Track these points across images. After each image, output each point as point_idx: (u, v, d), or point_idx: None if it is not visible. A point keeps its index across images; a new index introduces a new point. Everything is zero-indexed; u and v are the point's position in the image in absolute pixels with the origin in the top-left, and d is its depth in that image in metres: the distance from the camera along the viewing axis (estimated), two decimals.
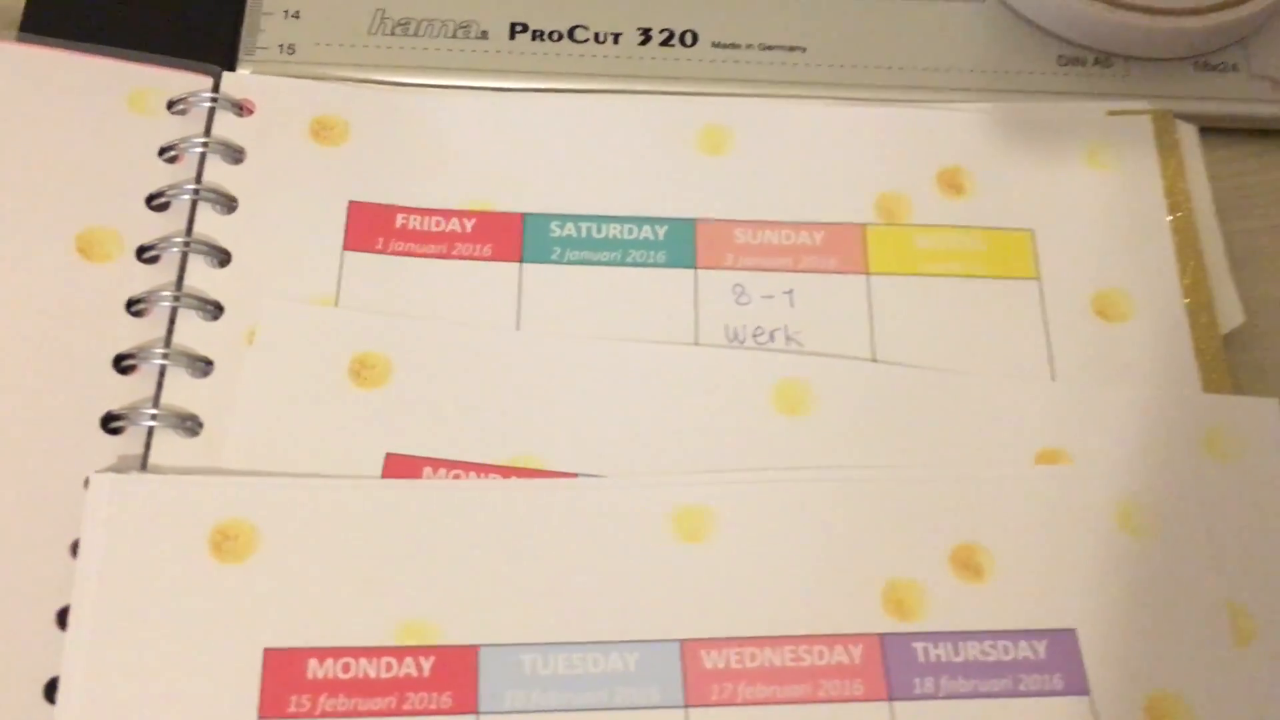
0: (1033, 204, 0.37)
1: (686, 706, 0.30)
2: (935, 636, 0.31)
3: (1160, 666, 0.31)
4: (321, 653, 0.29)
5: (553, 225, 0.36)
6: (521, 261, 0.35)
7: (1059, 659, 0.31)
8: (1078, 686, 0.30)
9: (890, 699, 0.30)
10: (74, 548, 0.30)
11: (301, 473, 0.32)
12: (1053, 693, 0.30)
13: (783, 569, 0.31)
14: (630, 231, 0.36)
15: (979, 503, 0.32)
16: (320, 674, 0.29)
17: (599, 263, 0.35)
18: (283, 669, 0.29)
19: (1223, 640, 0.31)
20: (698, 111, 0.38)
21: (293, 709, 0.29)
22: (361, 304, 0.34)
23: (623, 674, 0.30)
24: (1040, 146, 0.38)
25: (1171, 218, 0.37)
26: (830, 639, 0.31)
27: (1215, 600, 0.31)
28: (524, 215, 0.36)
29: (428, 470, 0.32)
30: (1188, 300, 0.35)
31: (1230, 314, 0.36)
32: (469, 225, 0.36)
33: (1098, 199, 0.37)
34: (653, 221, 0.36)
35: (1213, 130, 0.39)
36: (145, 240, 0.34)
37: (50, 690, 0.29)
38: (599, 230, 0.36)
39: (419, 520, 0.31)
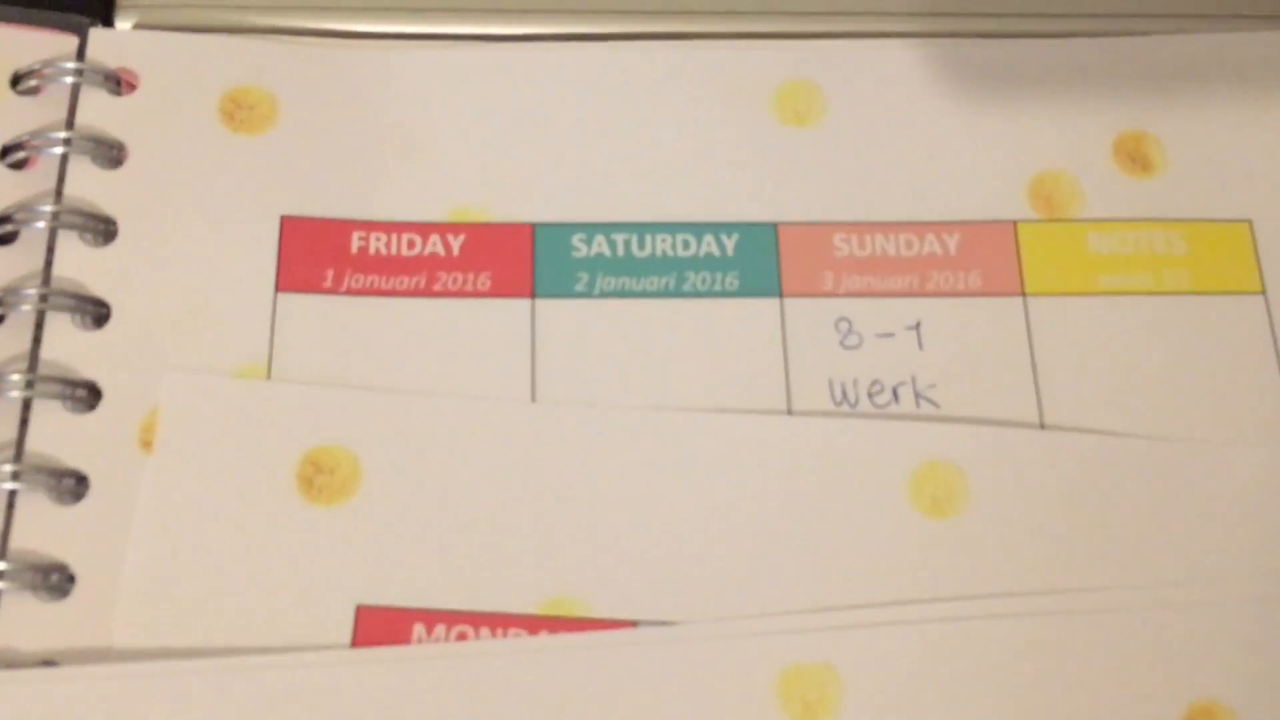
0: (1251, 183, 0.26)
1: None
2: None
3: None
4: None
5: (575, 240, 0.25)
6: (534, 297, 0.25)
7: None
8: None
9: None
10: None
11: (241, 647, 0.21)
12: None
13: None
14: (686, 245, 0.25)
15: (1223, 642, 0.23)
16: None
17: (644, 293, 0.25)
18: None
19: None
20: (773, 63, 0.27)
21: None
22: (306, 370, 0.24)
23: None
24: (1260, 98, 0.27)
25: None
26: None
27: None
28: (534, 226, 0.25)
29: (419, 628, 0.22)
30: None
31: None
32: (456, 244, 0.25)
33: None
34: (717, 229, 0.26)
35: None
36: None
37: None
38: (641, 245, 0.25)
39: (409, 706, 0.21)
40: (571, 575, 0.23)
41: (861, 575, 0.23)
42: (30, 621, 0.21)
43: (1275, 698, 0.22)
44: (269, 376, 0.24)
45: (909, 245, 0.26)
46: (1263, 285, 0.26)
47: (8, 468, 0.22)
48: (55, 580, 0.22)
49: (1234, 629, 0.23)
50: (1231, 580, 0.23)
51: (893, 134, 0.27)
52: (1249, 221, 0.26)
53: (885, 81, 0.27)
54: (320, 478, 0.23)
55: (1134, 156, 0.27)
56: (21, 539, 0.22)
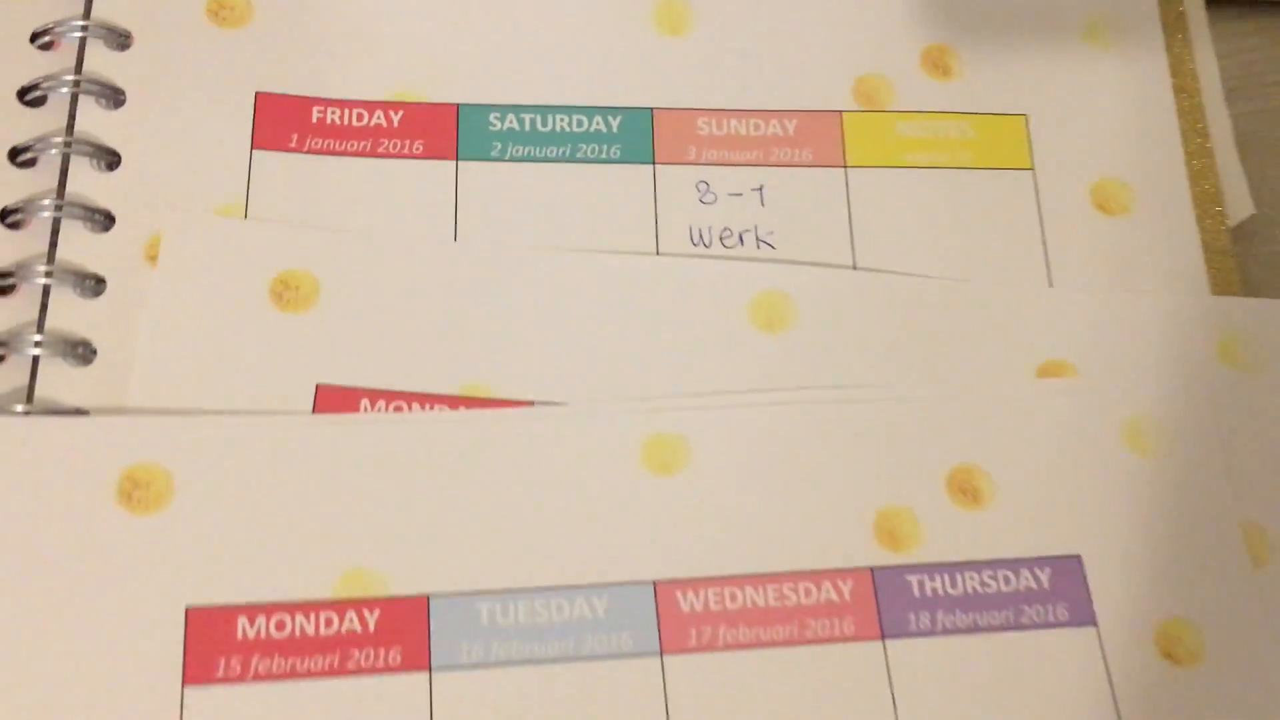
0: (1026, 86, 0.33)
1: (662, 654, 0.27)
2: (931, 568, 0.28)
3: (1172, 593, 0.28)
4: (252, 610, 0.26)
5: (492, 117, 0.32)
6: (458, 159, 0.31)
7: (1064, 588, 0.28)
8: (1084, 617, 0.28)
9: (883, 637, 0.28)
10: None
11: (221, 409, 0.28)
12: (1057, 624, 0.28)
13: (764, 501, 0.28)
14: (580, 123, 0.32)
15: (976, 422, 0.30)
16: (252, 633, 0.26)
17: (546, 159, 0.31)
18: (209, 629, 0.26)
19: (1239, 563, 0.29)
20: None
21: (222, 673, 0.25)
22: (275, 210, 0.30)
23: (591, 621, 0.27)
24: (1035, 22, 0.34)
25: (1176, 100, 0.33)
26: (817, 575, 0.28)
27: (1230, 521, 0.29)
28: (458, 106, 0.32)
29: (365, 403, 0.29)
30: (1194, 190, 0.32)
31: (1239, 204, 0.33)
32: (396, 118, 0.31)
33: (1097, 80, 0.34)
34: (605, 111, 0.32)
35: (1216, 3, 0.35)
36: (19, 141, 0.29)
37: None
38: (544, 122, 0.32)
39: (358, 459, 0.28)
40: (482, 366, 0.29)
41: (709, 371, 0.30)
42: (64, 382, 0.28)
43: (1025, 462, 0.29)
44: (245, 216, 0.30)
45: (756, 127, 0.32)
46: (1032, 164, 0.33)
47: (42, 267, 0.28)
48: (81, 351, 0.28)
49: (990, 412, 0.30)
50: (989, 377, 0.30)
51: (747, 43, 0.33)
52: (1025, 115, 0.33)
53: (741, 2, 0.34)
54: (288, 293, 0.29)
55: (937, 64, 0.34)
56: (55, 320, 0.28)
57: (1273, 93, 0.36)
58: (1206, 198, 0.32)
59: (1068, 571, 0.29)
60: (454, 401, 0.29)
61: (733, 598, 0.28)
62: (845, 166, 0.32)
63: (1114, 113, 0.33)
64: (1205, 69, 0.34)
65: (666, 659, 0.27)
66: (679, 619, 0.27)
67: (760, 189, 0.32)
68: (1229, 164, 0.33)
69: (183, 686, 0.25)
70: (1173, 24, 0.34)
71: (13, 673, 0.25)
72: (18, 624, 0.25)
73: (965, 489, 0.29)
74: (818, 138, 0.32)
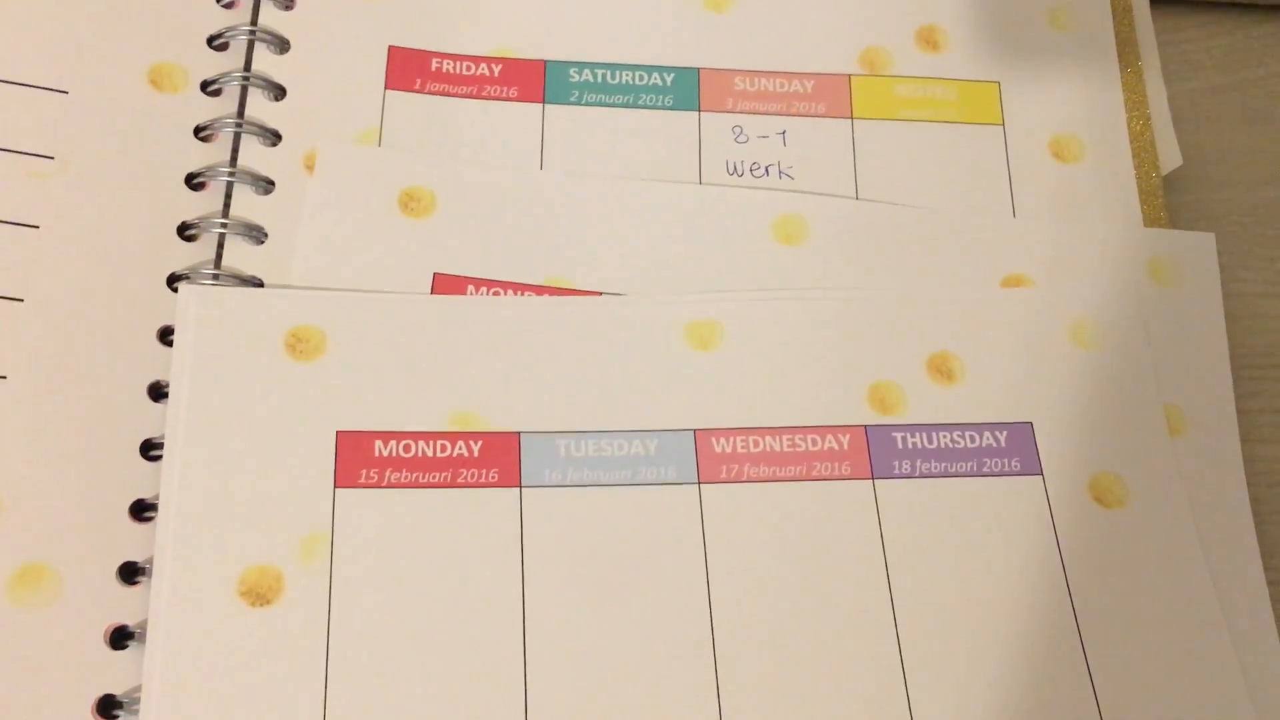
0: (1000, 60, 0.41)
1: (700, 483, 0.35)
2: (912, 428, 0.36)
3: (1103, 452, 0.36)
4: (386, 435, 0.34)
5: (572, 71, 0.40)
6: (544, 103, 0.39)
7: (1017, 446, 0.36)
8: (1032, 468, 0.36)
9: (873, 478, 0.35)
10: (161, 333, 0.34)
11: (361, 288, 0.36)
12: (1011, 473, 0.36)
13: (782, 372, 0.36)
14: (641, 78, 0.40)
15: (952, 318, 0.37)
16: (385, 452, 0.34)
17: (614, 105, 0.39)
18: (353, 448, 0.33)
19: (1159, 432, 0.36)
20: None
21: (364, 480, 0.33)
22: (403, 137, 0.38)
23: (644, 457, 0.35)
24: (1009, 9, 0.42)
25: (1122, 73, 0.41)
26: (822, 429, 0.36)
27: (1153, 400, 0.37)
28: (546, 61, 0.40)
29: (471, 288, 0.36)
30: (1133, 144, 0.40)
31: (1170, 157, 0.40)
32: (496, 70, 0.39)
33: (1057, 55, 0.42)
34: (661, 69, 0.40)
35: (1162, 1, 0.43)
36: (208, 75, 0.37)
37: (146, 449, 0.33)
38: (613, 76, 0.40)
39: (465, 329, 0.35)
40: (562, 262, 0.37)
41: (740, 274, 0.37)
42: (243, 257, 0.36)
43: (990, 350, 0.37)
44: (379, 143, 0.38)
45: (781, 85, 0.40)
46: (1002, 120, 0.41)
47: (225, 169, 0.36)
48: (255, 234, 0.36)
49: (963, 311, 0.38)
50: (963, 285, 0.38)
51: (777, 17, 0.41)
52: (998, 82, 0.41)
53: None
54: (412, 203, 0.37)
55: (928, 40, 0.41)
56: (236, 211, 0.36)
57: (1205, 76, 0.43)
58: (1143, 150, 0.40)
59: (1021, 434, 0.36)
60: (540, 290, 0.37)
61: (755, 443, 0.35)
62: (852, 118, 0.40)
63: (1070, 81, 0.41)
64: (1146, 51, 0.42)
65: (703, 487, 0.35)
66: (713, 458, 0.35)
67: (783, 133, 0.40)
68: (1163, 125, 0.41)
69: (335, 488, 0.33)
70: (1120, 15, 0.42)
71: (210, 474, 0.33)
72: (208, 439, 0.33)
73: (941, 369, 0.37)
74: (830, 95, 0.40)
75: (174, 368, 0.33)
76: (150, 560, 0.32)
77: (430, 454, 0.34)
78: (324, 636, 0.32)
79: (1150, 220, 0.39)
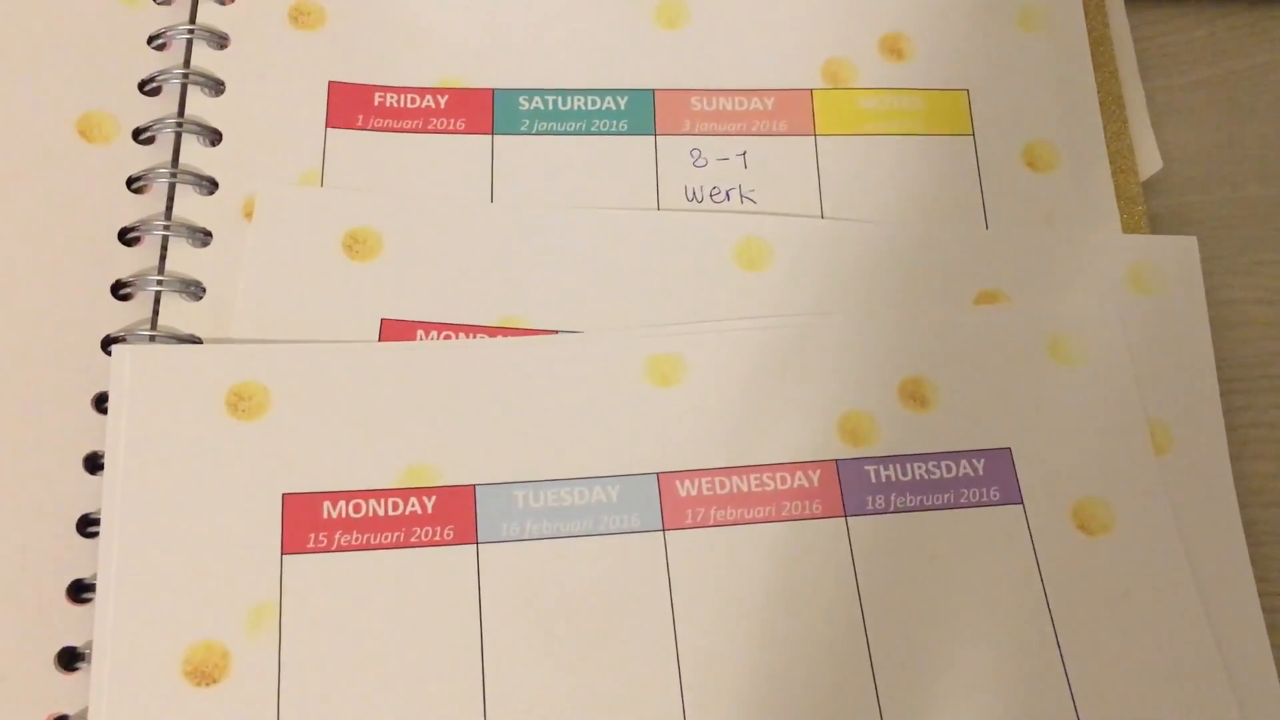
0: (968, 66, 0.40)
1: (664, 530, 0.33)
2: (885, 459, 0.34)
3: (1087, 476, 0.34)
4: (335, 495, 0.32)
5: (520, 99, 0.38)
6: (493, 134, 0.38)
7: (995, 474, 0.34)
8: (1012, 497, 0.34)
9: (846, 515, 0.34)
10: (96, 400, 0.33)
11: (305, 338, 0.34)
12: (990, 503, 0.34)
13: (747, 406, 0.35)
14: (594, 103, 0.38)
15: (924, 341, 0.36)
16: (335, 514, 0.32)
17: (566, 132, 0.38)
18: (301, 511, 0.32)
19: (1144, 451, 0.35)
20: None
21: (312, 545, 0.32)
22: (346, 177, 0.37)
23: (606, 504, 0.33)
24: (977, 11, 0.40)
25: (1097, 74, 0.39)
26: (791, 466, 0.34)
27: (1138, 417, 0.35)
28: (494, 90, 0.38)
29: (420, 333, 0.35)
30: (1110, 148, 0.39)
31: (1149, 161, 0.39)
32: (442, 101, 0.38)
33: (1028, 59, 0.40)
34: (614, 93, 0.39)
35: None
36: (140, 123, 0.36)
37: (83, 525, 0.32)
38: (564, 102, 0.38)
39: (416, 377, 0.34)
40: (516, 302, 0.35)
41: (701, 303, 0.36)
42: (180, 314, 0.34)
43: (964, 373, 0.36)
44: (321, 183, 0.37)
45: (740, 104, 0.39)
46: (972, 130, 0.39)
47: (161, 223, 0.35)
48: (193, 290, 0.35)
49: (935, 332, 0.36)
50: (934, 304, 0.37)
51: (734, 34, 0.40)
52: (966, 90, 0.40)
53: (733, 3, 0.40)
54: (357, 245, 0.36)
55: (892, 49, 0.40)
56: (173, 265, 0.35)
57: (1186, 70, 0.42)
58: (1120, 156, 0.38)
59: (999, 461, 0.35)
60: (493, 331, 0.35)
61: (721, 485, 0.34)
62: (815, 135, 0.38)
63: (1042, 86, 0.39)
64: (1122, 49, 0.40)
65: (668, 534, 0.33)
66: (678, 502, 0.34)
67: (744, 154, 0.38)
68: (1141, 128, 0.39)
69: (282, 555, 0.32)
70: (1093, 11, 0.40)
71: (148, 545, 0.31)
72: (147, 509, 0.32)
73: (914, 395, 0.35)
74: (792, 111, 0.39)
75: (109, 435, 0.32)
76: (90, 645, 0.31)
77: (382, 513, 0.33)
78: (274, 713, 0.30)
79: (1129, 226, 0.38)
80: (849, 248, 0.37)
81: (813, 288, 0.36)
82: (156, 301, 0.34)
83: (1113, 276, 0.37)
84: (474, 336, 0.35)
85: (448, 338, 0.35)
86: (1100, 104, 0.39)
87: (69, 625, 0.31)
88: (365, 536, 0.32)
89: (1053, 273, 0.37)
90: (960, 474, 0.34)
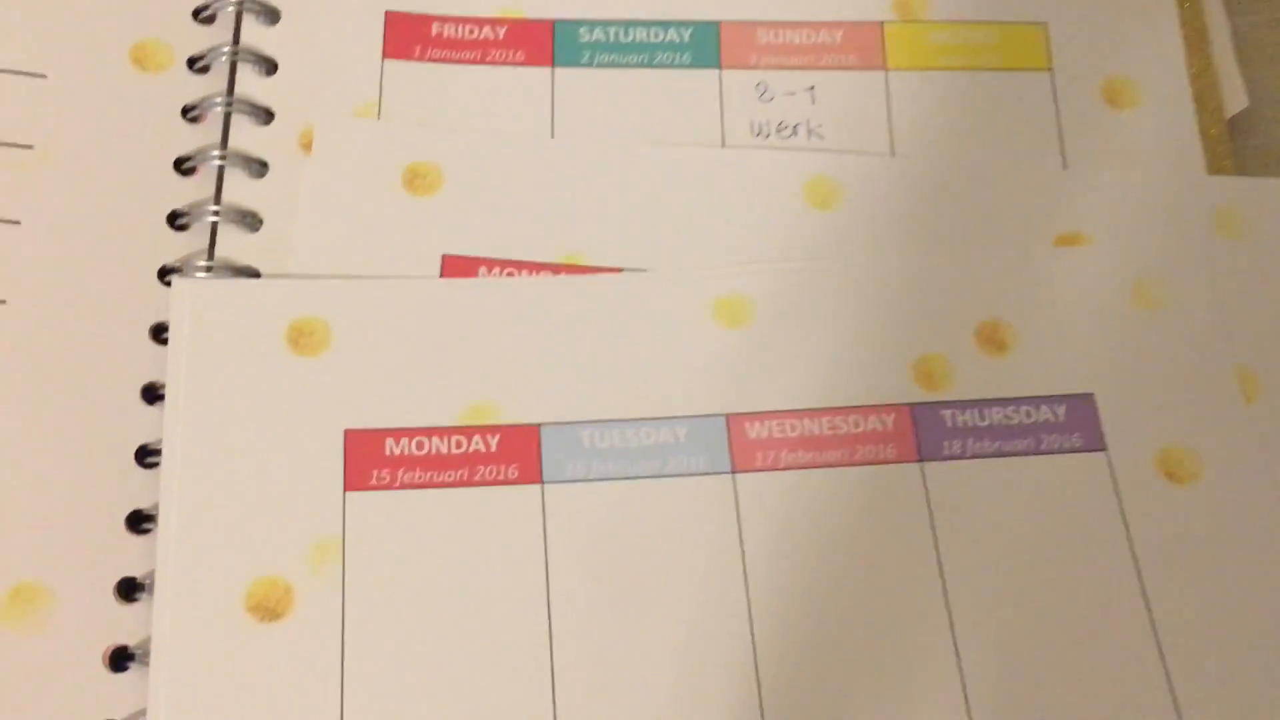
0: None
1: (734, 472, 0.32)
2: (962, 404, 0.33)
3: (1173, 423, 0.33)
4: (397, 432, 0.32)
5: (581, 30, 0.37)
6: (553, 66, 0.36)
7: (1078, 420, 0.33)
8: (1095, 444, 0.33)
9: (921, 460, 0.33)
10: (154, 331, 0.32)
11: (365, 274, 0.33)
12: (1072, 450, 0.33)
13: (818, 349, 0.34)
14: (656, 35, 0.37)
15: (1002, 282, 0.35)
16: (397, 450, 0.31)
17: (628, 65, 0.37)
18: (363, 447, 0.31)
19: (1233, 398, 0.33)
20: None
21: (374, 482, 0.31)
22: (403, 109, 0.35)
23: (673, 445, 0.32)
24: None
25: (1180, 7, 0.38)
26: (864, 409, 0.33)
27: (1224, 363, 0.34)
28: (554, 22, 0.37)
29: (482, 269, 0.34)
30: (1194, 86, 0.37)
31: (1235, 98, 0.37)
32: (501, 32, 0.37)
33: None
34: (678, 25, 0.37)
35: None
36: (195, 51, 0.35)
37: (141, 456, 0.31)
38: (626, 34, 0.37)
39: (479, 314, 0.33)
40: (580, 239, 0.34)
41: (770, 243, 0.35)
42: (237, 245, 0.33)
43: (1044, 316, 0.34)
44: (379, 115, 0.35)
45: (808, 36, 0.37)
46: (1050, 65, 0.38)
47: (216, 153, 0.34)
48: (250, 221, 0.34)
49: (1014, 274, 0.35)
50: (1012, 246, 0.35)
51: None
52: (1044, 23, 0.38)
53: None
54: (417, 180, 0.35)
55: None
56: (229, 197, 0.34)
57: (1274, 4, 0.40)
58: (1205, 93, 0.37)
59: (1081, 406, 0.33)
60: (556, 268, 0.34)
61: (792, 427, 0.33)
62: (885, 69, 0.37)
63: (1123, 20, 0.38)
64: None
65: (738, 476, 0.32)
66: (747, 444, 0.32)
67: (812, 89, 0.37)
68: (1226, 64, 0.38)
69: (344, 492, 0.31)
70: None
71: (211, 482, 0.31)
72: (209, 443, 0.31)
73: (992, 339, 0.34)
74: (861, 45, 0.37)
75: (169, 367, 0.31)
76: (150, 575, 0.30)
77: (445, 451, 0.32)
78: (338, 650, 0.30)
79: (1214, 168, 0.36)
80: (922, 187, 0.36)
81: (885, 228, 0.35)
82: (213, 233, 0.33)
83: (1199, 220, 0.35)
84: (537, 274, 0.34)
85: (510, 274, 0.34)
86: (1183, 39, 0.38)
87: (128, 555, 0.30)
88: (428, 474, 0.31)
89: (1136, 215, 0.36)
90: (1041, 420, 0.33)
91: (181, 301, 0.32)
